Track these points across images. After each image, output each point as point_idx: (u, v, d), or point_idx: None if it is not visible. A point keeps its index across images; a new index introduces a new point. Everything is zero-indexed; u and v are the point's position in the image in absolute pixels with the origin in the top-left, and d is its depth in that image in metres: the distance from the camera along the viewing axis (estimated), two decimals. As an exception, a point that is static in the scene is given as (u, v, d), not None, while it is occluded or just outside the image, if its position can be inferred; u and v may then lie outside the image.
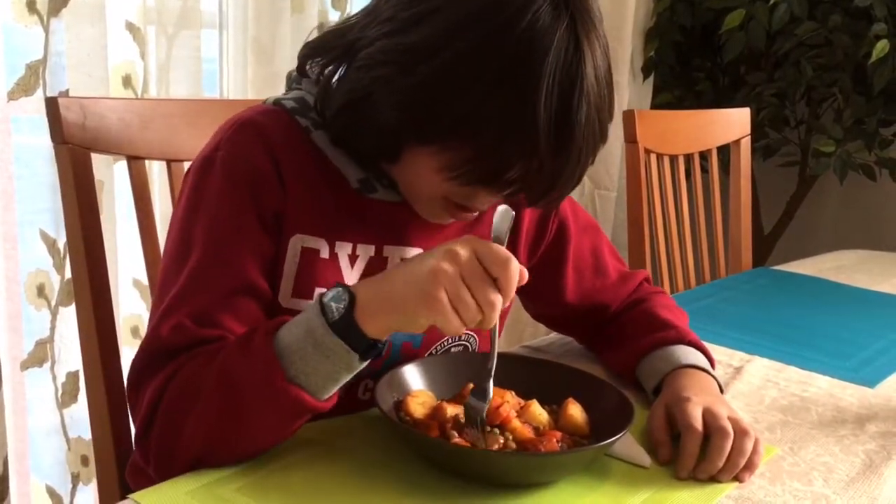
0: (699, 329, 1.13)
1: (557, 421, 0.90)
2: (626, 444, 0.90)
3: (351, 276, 0.95)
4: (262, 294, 0.90)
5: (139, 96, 1.68)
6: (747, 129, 2.06)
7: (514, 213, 0.85)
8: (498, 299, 0.78)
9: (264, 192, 0.90)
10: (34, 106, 1.53)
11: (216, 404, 0.81)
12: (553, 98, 0.80)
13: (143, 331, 1.08)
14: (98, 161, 1.24)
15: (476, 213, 0.96)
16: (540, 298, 1.17)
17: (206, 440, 0.82)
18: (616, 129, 2.71)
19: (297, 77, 0.98)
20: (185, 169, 0.99)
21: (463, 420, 0.86)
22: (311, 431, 0.88)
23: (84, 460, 1.72)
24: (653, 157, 1.83)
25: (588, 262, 1.15)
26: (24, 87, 1.52)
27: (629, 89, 2.71)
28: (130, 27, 1.66)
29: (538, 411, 0.89)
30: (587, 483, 0.84)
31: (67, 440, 1.70)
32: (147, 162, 1.21)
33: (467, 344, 1.06)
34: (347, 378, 0.82)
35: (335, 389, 0.82)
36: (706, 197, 1.99)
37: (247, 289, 0.88)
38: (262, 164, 0.90)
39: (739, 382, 1.16)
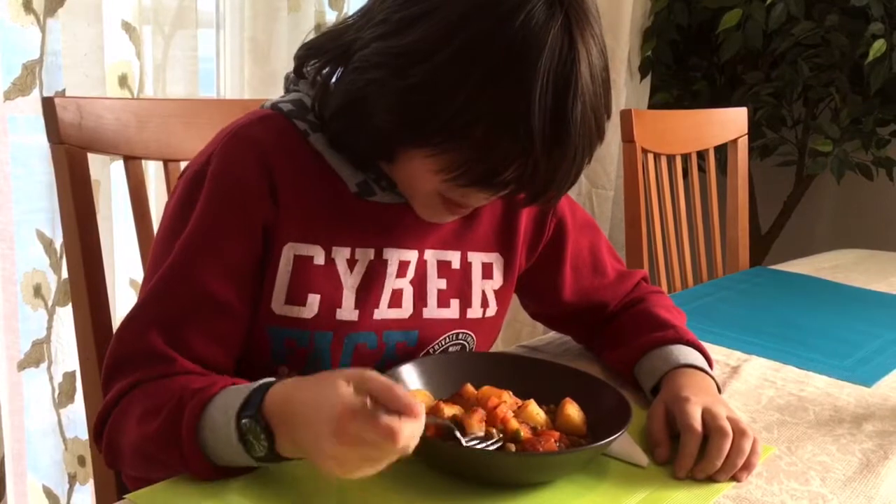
0: (697, 329, 1.13)
1: (555, 421, 0.90)
2: (624, 443, 0.90)
3: (350, 279, 0.95)
4: (229, 308, 0.90)
5: (136, 96, 1.68)
6: (744, 128, 2.06)
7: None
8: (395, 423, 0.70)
9: (252, 207, 0.90)
10: (31, 105, 1.53)
11: (140, 462, 0.85)
12: (547, 97, 0.80)
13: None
14: (94, 161, 1.24)
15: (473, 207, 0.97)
16: (538, 297, 1.17)
17: (136, 471, 0.89)
18: (613, 129, 2.72)
19: (294, 78, 0.98)
20: (182, 170, 0.99)
21: (461, 419, 0.86)
22: (309, 431, 0.88)
23: (81, 460, 1.72)
24: (650, 157, 1.83)
25: (586, 260, 1.15)
26: (20, 87, 1.52)
27: (626, 89, 2.71)
28: (127, 27, 1.66)
29: (536, 411, 0.89)
30: (585, 483, 0.84)
31: (64, 440, 1.70)
32: (144, 162, 1.21)
33: (465, 343, 1.06)
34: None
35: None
36: (703, 196, 1.99)
37: (212, 304, 0.89)
38: (252, 179, 0.90)
39: (737, 382, 1.16)
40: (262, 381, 0.78)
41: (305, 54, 0.94)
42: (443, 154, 0.85)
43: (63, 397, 1.68)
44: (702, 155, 2.02)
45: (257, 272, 0.92)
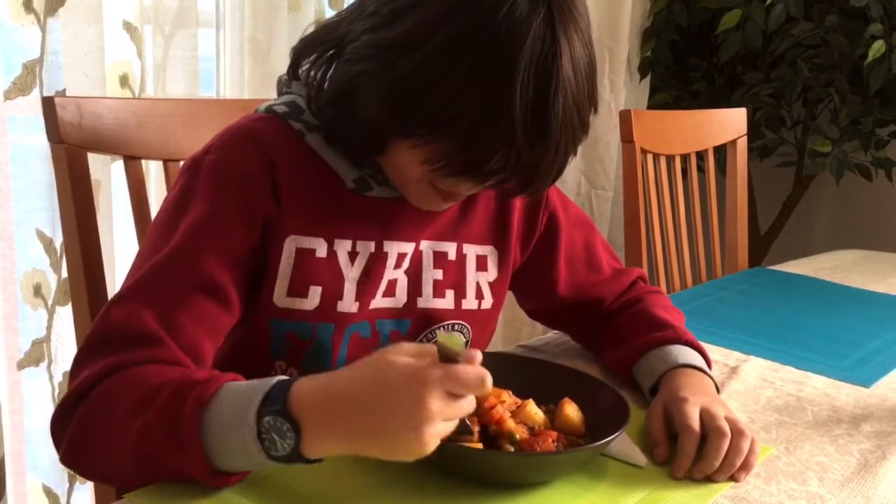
0: (695, 329, 1.13)
1: (553, 421, 0.90)
2: (623, 443, 0.90)
3: (352, 272, 0.96)
4: (224, 297, 0.88)
5: (136, 96, 1.68)
6: (744, 129, 2.06)
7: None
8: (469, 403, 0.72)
9: (252, 198, 0.90)
10: (31, 105, 1.53)
11: (131, 460, 0.76)
12: (529, 90, 0.81)
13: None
14: (95, 161, 1.24)
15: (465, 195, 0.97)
16: (533, 293, 1.18)
17: (113, 470, 0.79)
18: (613, 129, 2.72)
19: (287, 81, 0.99)
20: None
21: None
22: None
23: (80, 460, 1.72)
24: (649, 157, 1.83)
25: (580, 255, 1.16)
26: (20, 87, 1.52)
27: (626, 89, 2.71)
28: (127, 26, 1.66)
29: (534, 411, 0.89)
30: (583, 483, 0.84)
31: (64, 439, 1.70)
32: (144, 162, 1.21)
33: (461, 335, 1.07)
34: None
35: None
36: (702, 197, 1.99)
37: (208, 289, 0.87)
38: (254, 171, 0.90)
39: (735, 382, 1.16)
40: (278, 378, 0.75)
41: (302, 48, 0.95)
42: (428, 145, 0.86)
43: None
44: (701, 155, 2.02)
45: (251, 265, 0.92)
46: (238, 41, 1.87)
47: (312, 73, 0.93)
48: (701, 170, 2.03)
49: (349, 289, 0.96)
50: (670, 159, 1.91)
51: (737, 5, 2.49)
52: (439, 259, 1.03)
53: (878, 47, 2.26)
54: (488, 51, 0.81)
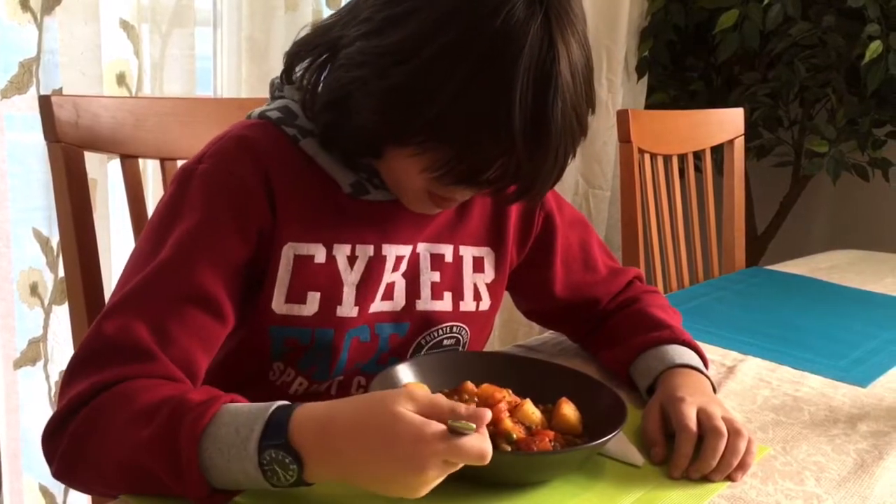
0: (692, 329, 1.13)
1: (551, 420, 0.90)
2: (620, 443, 0.90)
3: (351, 276, 0.96)
4: (217, 308, 0.87)
5: (133, 94, 1.68)
6: (741, 129, 2.07)
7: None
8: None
9: (247, 207, 0.89)
10: (27, 104, 1.52)
11: (123, 478, 0.76)
12: (527, 97, 0.80)
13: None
14: (91, 159, 1.24)
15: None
16: (530, 293, 1.18)
17: (105, 487, 0.79)
18: (610, 129, 2.72)
19: (280, 84, 0.98)
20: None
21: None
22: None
23: (77, 459, 1.71)
24: (647, 157, 1.83)
25: (576, 255, 1.16)
26: (17, 85, 1.52)
27: (623, 89, 2.71)
28: (124, 25, 1.66)
29: (531, 410, 0.89)
30: (580, 482, 0.84)
31: (60, 439, 1.70)
32: (141, 161, 1.21)
33: (458, 337, 1.07)
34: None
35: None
36: (700, 197, 2.00)
37: (201, 300, 0.85)
38: (248, 179, 0.89)
39: (732, 382, 1.16)
40: (278, 404, 0.73)
41: (296, 51, 0.94)
42: (426, 154, 0.85)
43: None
44: (698, 155, 2.02)
45: (247, 274, 0.91)
46: (235, 40, 1.87)
47: (307, 77, 0.92)
48: (698, 169, 2.03)
49: (348, 293, 0.96)
50: (667, 159, 1.91)
51: (734, 5, 2.49)
52: (436, 261, 1.03)
53: (875, 48, 2.27)
54: (485, 59, 0.80)
